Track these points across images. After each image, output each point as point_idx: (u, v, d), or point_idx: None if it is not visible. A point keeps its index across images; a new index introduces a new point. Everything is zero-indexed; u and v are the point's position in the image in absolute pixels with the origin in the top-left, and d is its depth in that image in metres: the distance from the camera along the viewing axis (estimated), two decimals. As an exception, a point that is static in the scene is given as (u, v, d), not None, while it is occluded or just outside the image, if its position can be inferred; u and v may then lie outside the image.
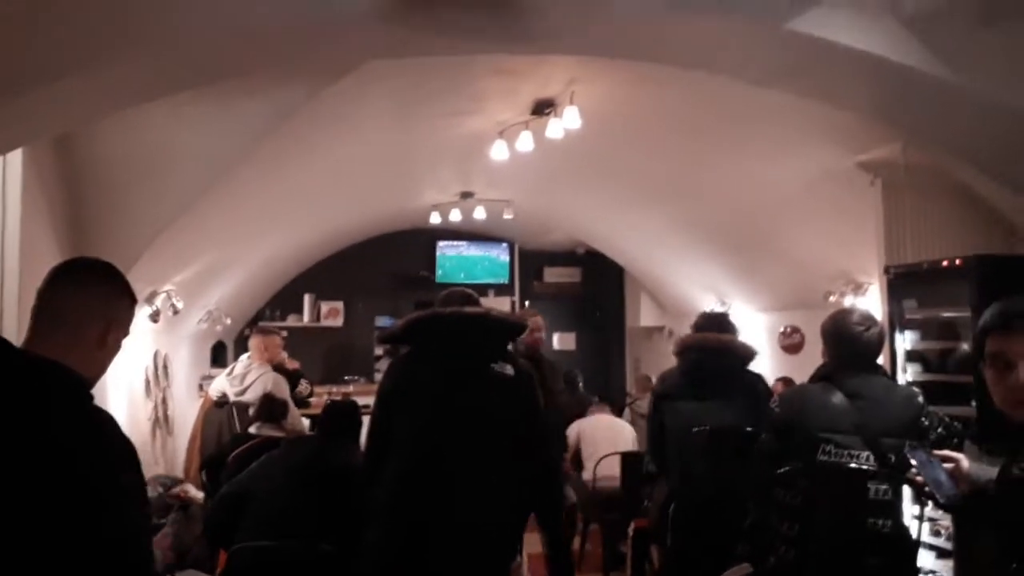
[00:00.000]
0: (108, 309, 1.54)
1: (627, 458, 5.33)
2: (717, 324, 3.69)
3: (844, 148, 4.51)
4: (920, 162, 4.10)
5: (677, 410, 3.51)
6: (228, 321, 7.72)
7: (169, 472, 5.78)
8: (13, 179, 3.29)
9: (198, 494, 5.33)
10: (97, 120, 3.41)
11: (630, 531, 4.73)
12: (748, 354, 3.59)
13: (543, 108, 4.80)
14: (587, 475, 5.51)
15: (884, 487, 2.53)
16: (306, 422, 6.13)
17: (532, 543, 3.85)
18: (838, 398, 2.60)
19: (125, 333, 1.57)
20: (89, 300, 1.52)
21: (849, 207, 4.92)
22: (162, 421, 6.09)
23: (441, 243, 10.40)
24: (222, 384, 5.39)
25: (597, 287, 10.93)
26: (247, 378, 5.28)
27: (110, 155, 3.88)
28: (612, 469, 5.39)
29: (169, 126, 3.72)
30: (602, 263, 10.06)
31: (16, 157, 3.26)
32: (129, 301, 1.60)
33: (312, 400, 7.12)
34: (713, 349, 3.52)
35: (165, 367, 6.13)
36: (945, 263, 3.92)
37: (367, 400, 9.12)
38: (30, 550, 1.22)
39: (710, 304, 8.02)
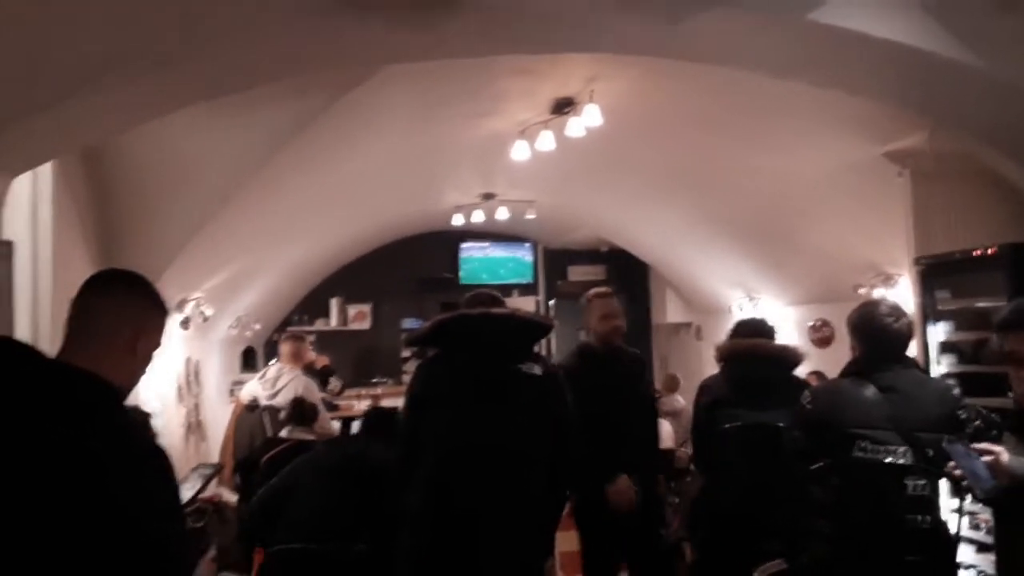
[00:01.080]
0: (138, 319, 1.56)
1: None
2: (760, 330, 3.59)
3: (869, 139, 4.45)
4: (947, 150, 4.03)
5: (727, 417, 3.42)
6: (257, 326, 7.80)
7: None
8: (44, 191, 3.35)
9: (232, 497, 5.40)
10: (124, 132, 3.46)
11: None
12: (798, 360, 3.52)
13: (563, 107, 4.78)
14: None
15: (922, 482, 2.49)
16: (336, 424, 6.18)
17: (564, 541, 3.84)
18: (871, 392, 2.56)
19: (156, 343, 1.60)
20: (120, 310, 1.54)
21: (876, 198, 4.85)
22: (195, 426, 6.17)
23: (464, 244, 10.42)
24: (254, 388, 5.45)
25: (622, 284, 10.87)
26: (278, 382, 5.33)
27: (138, 166, 3.94)
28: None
29: (194, 135, 3.77)
30: (627, 260, 10.02)
31: (47, 170, 3.31)
32: (159, 311, 1.62)
33: (340, 403, 7.16)
34: (764, 357, 3.43)
35: (196, 373, 6.21)
36: (977, 252, 3.85)
37: (395, 402, 9.18)
38: (58, 559, 1.24)
39: (738, 300, 7.95)
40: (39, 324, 3.16)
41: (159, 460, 1.43)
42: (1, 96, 2.39)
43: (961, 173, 4.22)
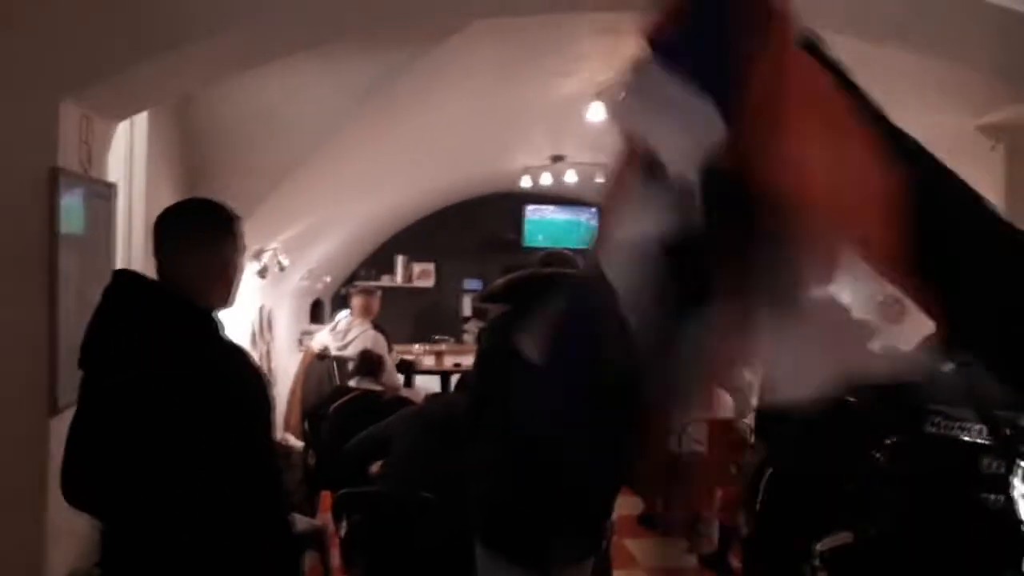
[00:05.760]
0: (217, 243, 1.72)
1: (717, 425, 5.30)
2: None
3: (962, 110, 4.28)
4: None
5: None
6: (327, 279, 8.00)
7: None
8: (140, 140, 3.49)
9: (297, 443, 5.60)
10: (214, 84, 3.58)
11: (717, 498, 4.72)
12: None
13: (643, 68, 4.72)
14: (673, 442, 5.50)
15: (997, 461, 2.45)
16: (401, 377, 6.33)
17: (623, 505, 3.91)
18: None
19: (236, 266, 1.73)
20: (200, 235, 1.71)
21: (966, 173, 4.67)
22: (266, 373, 6.40)
23: (529, 207, 10.42)
24: (325, 338, 5.62)
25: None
26: (349, 334, 5.50)
27: (225, 116, 4.06)
28: (700, 435, 5.38)
29: (280, 89, 3.87)
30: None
31: (142, 119, 3.45)
32: (233, 236, 1.77)
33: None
34: None
35: (269, 321, 6.42)
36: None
37: (455, 359, 9.28)
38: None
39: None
40: (131, 257, 3.32)
41: (254, 374, 1.58)
42: (112, 44, 2.51)
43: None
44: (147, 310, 1.59)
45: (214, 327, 1.63)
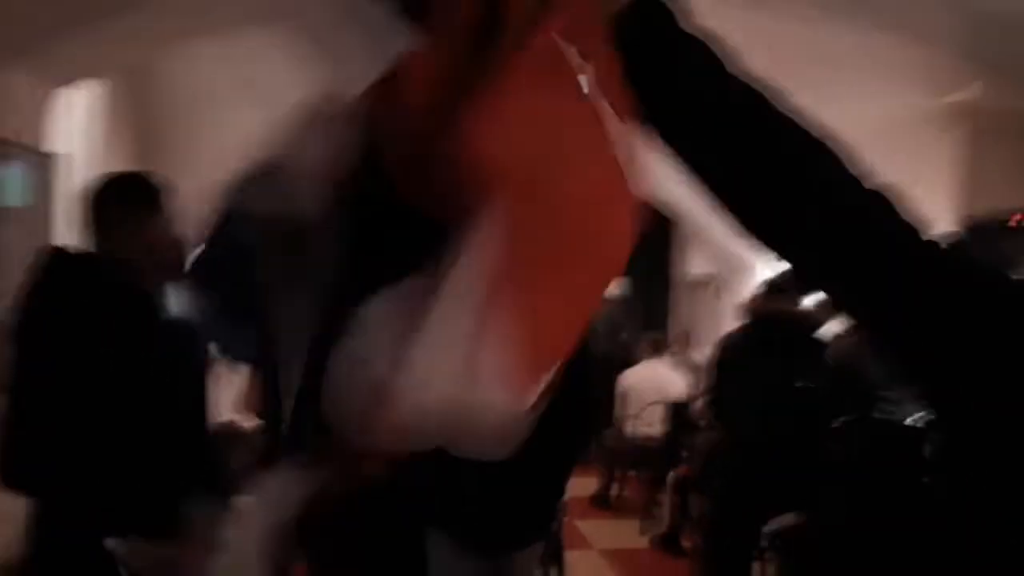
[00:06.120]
0: (150, 216, 1.68)
1: (672, 408, 5.36)
2: (785, 290, 3.61)
3: (924, 90, 4.29)
4: (1002, 107, 3.89)
5: (746, 373, 3.45)
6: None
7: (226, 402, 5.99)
8: (92, 107, 3.37)
9: (252, 423, 5.52)
10: (167, 55, 3.46)
11: (670, 479, 4.78)
12: (816, 325, 3.53)
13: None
14: (629, 426, 5.56)
15: (940, 446, 2.51)
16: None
17: (575, 486, 3.92)
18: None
19: (173, 239, 1.69)
20: (130, 209, 1.67)
21: (927, 154, 4.70)
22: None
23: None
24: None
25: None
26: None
27: (184, 89, 3.94)
28: (653, 418, 5.43)
29: (244, 60, 3.75)
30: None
31: (92, 88, 3.33)
32: (165, 209, 1.72)
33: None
34: (788, 317, 3.45)
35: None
36: (1013, 222, 3.79)
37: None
38: None
39: (771, 255, 7.86)
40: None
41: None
42: (52, 10, 2.39)
43: (1015, 132, 4.07)
44: (76, 288, 1.53)
45: (150, 304, 1.58)
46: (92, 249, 1.65)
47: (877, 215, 0.76)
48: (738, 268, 8.57)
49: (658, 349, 6.13)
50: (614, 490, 5.83)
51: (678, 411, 5.32)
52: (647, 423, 5.44)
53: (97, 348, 1.46)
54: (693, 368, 6.69)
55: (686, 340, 7.74)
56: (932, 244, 0.74)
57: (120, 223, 1.64)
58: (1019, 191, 4.02)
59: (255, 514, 0.87)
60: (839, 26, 3.41)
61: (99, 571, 1.48)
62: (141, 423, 1.48)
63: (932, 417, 2.11)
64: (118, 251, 1.61)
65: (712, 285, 9.59)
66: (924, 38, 3.38)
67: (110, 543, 1.43)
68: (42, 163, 2.72)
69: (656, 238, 10.49)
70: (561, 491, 2.93)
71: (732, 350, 3.55)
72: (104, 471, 1.46)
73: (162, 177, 1.73)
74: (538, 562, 2.69)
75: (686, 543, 4.51)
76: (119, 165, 3.58)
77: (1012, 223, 3.79)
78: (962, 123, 4.22)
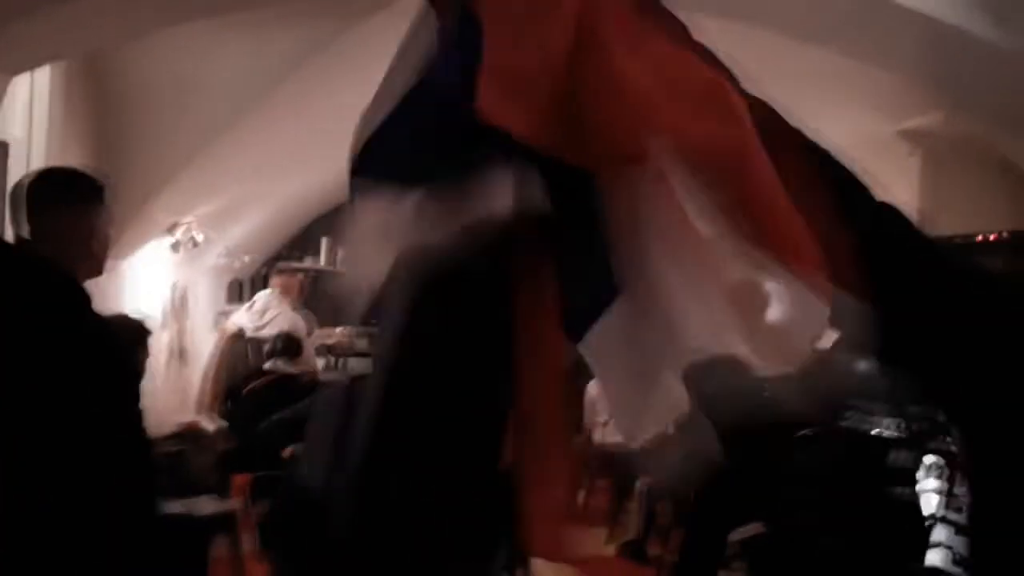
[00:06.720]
0: (85, 211, 1.66)
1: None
2: None
3: (883, 115, 4.39)
4: (962, 133, 3.99)
5: (711, 378, 3.45)
6: (246, 259, 7.73)
7: (183, 404, 5.86)
8: (43, 95, 3.27)
9: (209, 425, 5.39)
10: (126, 42, 3.37)
11: (638, 487, 4.76)
12: None
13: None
14: (598, 434, 5.53)
15: (905, 455, 2.51)
16: (321, 361, 6.17)
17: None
18: (871, 363, 2.57)
19: (102, 236, 1.68)
20: (64, 203, 1.65)
21: (884, 178, 4.80)
22: (177, 352, 6.14)
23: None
24: (241, 318, 5.42)
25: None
26: (266, 314, 5.31)
27: (142, 82, 3.86)
28: (622, 426, 5.41)
29: (200, 56, 3.68)
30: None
31: (48, 75, 3.23)
32: (99, 205, 1.70)
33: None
34: None
35: (183, 299, 6.16)
36: (979, 238, 3.85)
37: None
38: None
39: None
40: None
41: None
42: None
43: (973, 158, 4.18)
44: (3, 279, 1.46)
45: (77, 298, 1.51)
46: (23, 241, 1.60)
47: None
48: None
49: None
50: (581, 497, 5.79)
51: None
52: (615, 431, 5.42)
53: (26, 341, 1.39)
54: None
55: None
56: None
57: (54, 219, 1.60)
58: (979, 216, 4.10)
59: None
60: (801, 50, 3.44)
61: None
62: (74, 418, 1.40)
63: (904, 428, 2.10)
64: (50, 245, 1.57)
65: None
66: (886, 64, 3.42)
67: None
68: (-5, 151, 2.63)
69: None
70: None
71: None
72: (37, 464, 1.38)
73: (101, 173, 1.71)
74: (504, 569, 2.65)
75: (653, 551, 4.49)
76: (73, 153, 3.48)
77: (979, 239, 3.85)
78: (922, 148, 4.30)
